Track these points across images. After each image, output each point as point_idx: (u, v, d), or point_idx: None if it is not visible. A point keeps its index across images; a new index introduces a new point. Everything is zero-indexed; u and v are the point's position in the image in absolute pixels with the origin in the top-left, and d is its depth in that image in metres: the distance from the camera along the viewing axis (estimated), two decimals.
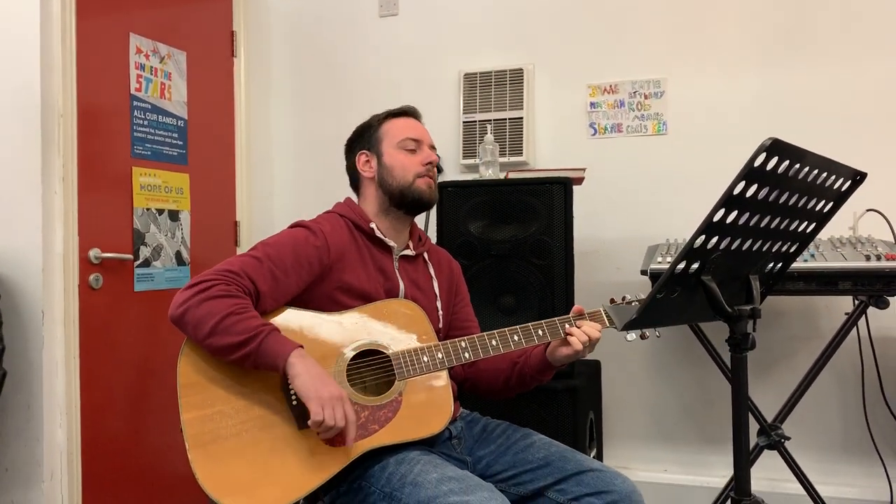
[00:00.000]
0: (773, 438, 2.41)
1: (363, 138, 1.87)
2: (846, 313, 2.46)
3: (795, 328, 2.84)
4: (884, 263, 2.24)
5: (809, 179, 1.28)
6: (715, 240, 1.22)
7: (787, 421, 2.48)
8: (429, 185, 1.81)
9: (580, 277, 2.60)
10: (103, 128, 2.63)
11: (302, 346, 1.52)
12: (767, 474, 2.72)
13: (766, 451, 2.46)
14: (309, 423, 1.47)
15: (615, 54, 3.08)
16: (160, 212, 2.86)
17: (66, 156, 2.46)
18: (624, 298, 1.76)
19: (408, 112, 1.90)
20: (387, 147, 1.82)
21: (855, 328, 2.51)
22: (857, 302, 2.43)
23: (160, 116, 2.87)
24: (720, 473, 2.87)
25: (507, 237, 2.50)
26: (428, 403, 1.62)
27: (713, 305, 1.30)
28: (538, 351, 1.73)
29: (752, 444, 2.37)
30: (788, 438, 2.42)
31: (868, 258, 2.27)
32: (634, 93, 3.03)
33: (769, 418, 2.46)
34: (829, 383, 2.77)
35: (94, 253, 2.56)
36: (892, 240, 2.49)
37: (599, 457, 2.79)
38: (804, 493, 2.48)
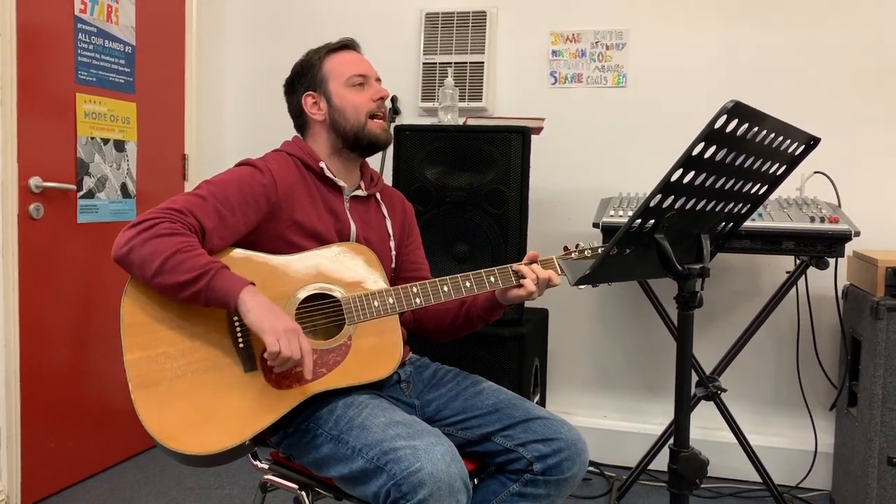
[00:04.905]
0: (711, 390, 2.50)
1: (306, 78, 1.78)
2: (787, 272, 2.53)
3: (738, 284, 2.92)
4: (826, 226, 2.31)
5: (766, 143, 1.29)
6: (671, 199, 1.23)
7: (724, 373, 2.56)
8: (382, 128, 1.78)
9: (531, 226, 2.62)
10: (45, 50, 2.50)
11: (253, 284, 1.49)
12: (702, 423, 2.83)
13: (702, 401, 2.55)
14: (265, 355, 1.43)
15: (579, 2, 3.03)
16: (105, 141, 2.75)
17: (5, 78, 2.34)
18: (577, 246, 1.76)
19: (347, 45, 1.82)
20: (335, 87, 1.76)
21: (794, 287, 2.59)
22: (798, 262, 2.50)
23: (106, 41, 2.74)
24: (657, 421, 2.98)
25: (464, 185, 2.49)
26: (377, 347, 1.62)
27: (665, 263, 1.32)
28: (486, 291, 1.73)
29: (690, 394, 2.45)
30: (725, 390, 2.51)
31: (812, 220, 2.33)
32: (596, 43, 3.01)
33: (708, 370, 2.54)
34: (767, 339, 2.88)
35: (34, 182, 2.46)
36: (836, 202, 2.56)
37: (542, 402, 2.85)
38: (735, 441, 2.58)
